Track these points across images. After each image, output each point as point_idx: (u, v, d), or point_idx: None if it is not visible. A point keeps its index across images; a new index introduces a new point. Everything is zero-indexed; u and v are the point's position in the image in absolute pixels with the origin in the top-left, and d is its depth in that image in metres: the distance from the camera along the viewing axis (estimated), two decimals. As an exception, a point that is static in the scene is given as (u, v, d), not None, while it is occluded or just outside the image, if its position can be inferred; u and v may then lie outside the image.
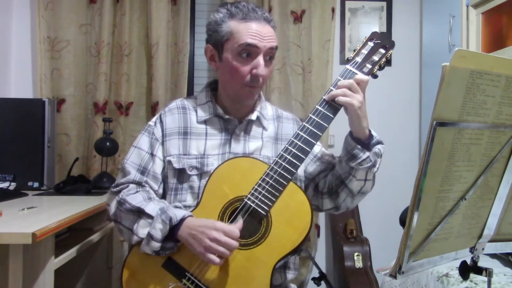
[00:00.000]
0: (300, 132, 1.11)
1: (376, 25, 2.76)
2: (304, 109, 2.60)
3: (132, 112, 2.55)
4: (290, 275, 1.23)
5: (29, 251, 1.20)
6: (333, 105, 1.11)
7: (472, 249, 0.93)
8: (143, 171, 1.20)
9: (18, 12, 2.55)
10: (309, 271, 2.63)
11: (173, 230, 1.07)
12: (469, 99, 0.74)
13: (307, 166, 1.28)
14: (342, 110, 1.12)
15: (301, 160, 1.10)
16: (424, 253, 0.82)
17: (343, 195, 1.21)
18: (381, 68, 1.15)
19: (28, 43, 2.56)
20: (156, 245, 1.06)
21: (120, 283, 1.12)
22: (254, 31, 1.14)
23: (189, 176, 1.18)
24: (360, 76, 1.11)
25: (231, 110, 1.24)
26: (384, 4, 2.76)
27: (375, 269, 2.35)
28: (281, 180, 1.08)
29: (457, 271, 0.95)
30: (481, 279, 1.49)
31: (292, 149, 1.10)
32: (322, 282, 1.18)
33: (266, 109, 1.31)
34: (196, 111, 1.25)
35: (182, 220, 1.07)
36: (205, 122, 1.23)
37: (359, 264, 2.36)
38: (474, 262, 0.93)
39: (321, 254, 2.73)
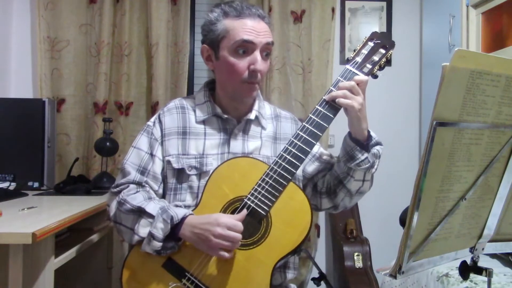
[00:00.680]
0: (300, 132, 1.11)
1: (376, 25, 2.75)
2: (304, 109, 2.60)
3: (132, 112, 2.55)
4: (290, 275, 1.23)
5: (29, 251, 1.19)
6: (333, 106, 1.11)
7: (472, 249, 0.93)
8: (143, 171, 1.20)
9: (18, 12, 2.55)
10: (309, 271, 2.63)
11: (174, 229, 1.07)
12: (469, 99, 0.74)
13: (306, 166, 1.28)
14: (342, 110, 1.12)
15: (301, 160, 1.10)
16: (424, 253, 0.82)
17: (341, 194, 1.21)
18: (381, 68, 1.15)
19: (28, 43, 2.56)
20: (157, 244, 1.06)
21: (120, 283, 1.12)
22: (249, 28, 1.14)
23: (188, 176, 1.18)
24: (360, 76, 1.11)
25: (230, 109, 1.24)
26: (384, 4, 2.76)
27: (375, 269, 2.35)
28: (281, 180, 1.08)
29: (457, 271, 0.95)
30: (481, 279, 1.49)
31: (292, 149, 1.10)
32: (322, 282, 1.18)
33: (264, 108, 1.31)
34: (194, 111, 1.25)
35: (184, 218, 1.08)
36: (203, 122, 1.23)
37: (359, 264, 2.36)
38: (474, 262, 0.93)
39: (321, 254, 2.73)
